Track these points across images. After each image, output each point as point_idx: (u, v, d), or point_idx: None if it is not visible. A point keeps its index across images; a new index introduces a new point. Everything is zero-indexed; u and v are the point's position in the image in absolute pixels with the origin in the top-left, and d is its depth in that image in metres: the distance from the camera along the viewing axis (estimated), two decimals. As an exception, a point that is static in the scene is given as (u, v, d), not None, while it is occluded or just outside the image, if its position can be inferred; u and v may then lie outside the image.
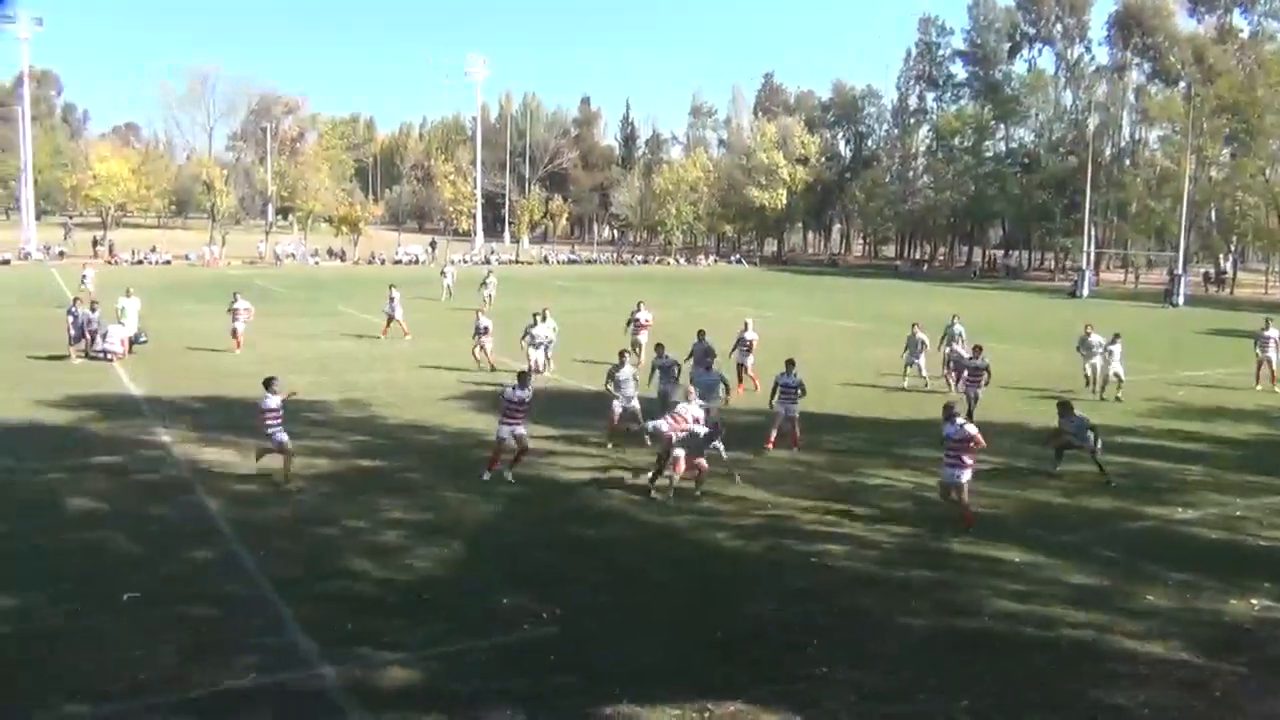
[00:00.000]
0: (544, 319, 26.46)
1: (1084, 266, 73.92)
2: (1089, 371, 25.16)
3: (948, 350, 25.47)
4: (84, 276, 42.38)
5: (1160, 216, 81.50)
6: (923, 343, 25.52)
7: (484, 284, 44.69)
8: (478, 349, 26.83)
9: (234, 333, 29.39)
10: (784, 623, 10.50)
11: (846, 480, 16.15)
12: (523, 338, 25.81)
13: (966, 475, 13.63)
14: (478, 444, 18.14)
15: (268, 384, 15.49)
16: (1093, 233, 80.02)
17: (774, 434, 17.98)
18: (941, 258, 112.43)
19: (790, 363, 18.48)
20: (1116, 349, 24.71)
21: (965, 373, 22.09)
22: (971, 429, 13.90)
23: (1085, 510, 14.86)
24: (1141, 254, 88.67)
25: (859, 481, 16.10)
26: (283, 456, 15.32)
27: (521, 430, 15.76)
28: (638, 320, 28.55)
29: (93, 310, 27.88)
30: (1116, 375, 24.52)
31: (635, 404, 18.42)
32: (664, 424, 15.12)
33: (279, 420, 15.40)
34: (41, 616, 10.20)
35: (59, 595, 10.71)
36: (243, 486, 15.10)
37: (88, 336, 27.24)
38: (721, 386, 18.51)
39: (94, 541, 12.58)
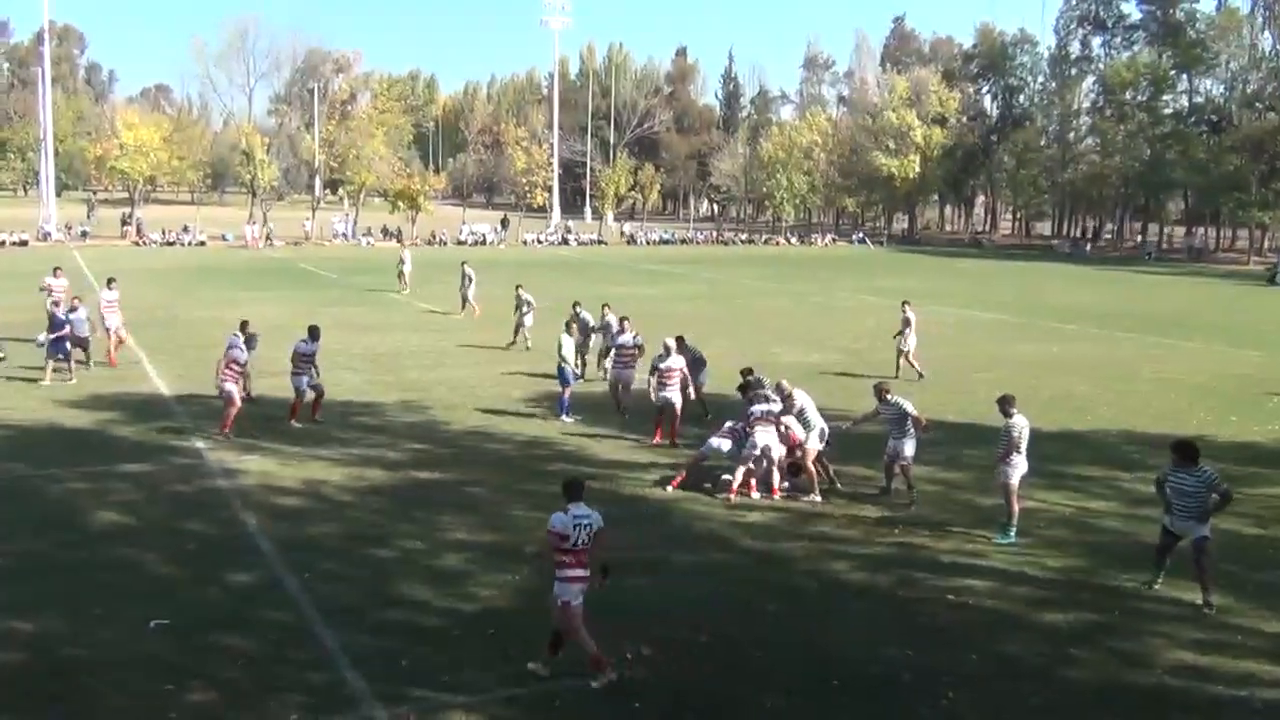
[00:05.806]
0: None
1: (1286, 246, 71.51)
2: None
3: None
4: None
5: (1385, 185, 78.28)
6: None
7: (463, 280, 37.46)
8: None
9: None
10: (918, 670, 10.37)
11: (992, 502, 15.85)
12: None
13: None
14: (552, 455, 18.30)
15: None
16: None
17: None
18: (1109, 236, 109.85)
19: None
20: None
21: None
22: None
23: (1287, 543, 14.40)
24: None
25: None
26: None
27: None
28: (619, 345, 21.80)
29: (72, 310, 24.51)
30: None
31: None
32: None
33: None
34: (61, 645, 10.58)
35: (81, 622, 11.10)
36: (285, 500, 15.47)
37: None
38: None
39: (119, 560, 13.01)
